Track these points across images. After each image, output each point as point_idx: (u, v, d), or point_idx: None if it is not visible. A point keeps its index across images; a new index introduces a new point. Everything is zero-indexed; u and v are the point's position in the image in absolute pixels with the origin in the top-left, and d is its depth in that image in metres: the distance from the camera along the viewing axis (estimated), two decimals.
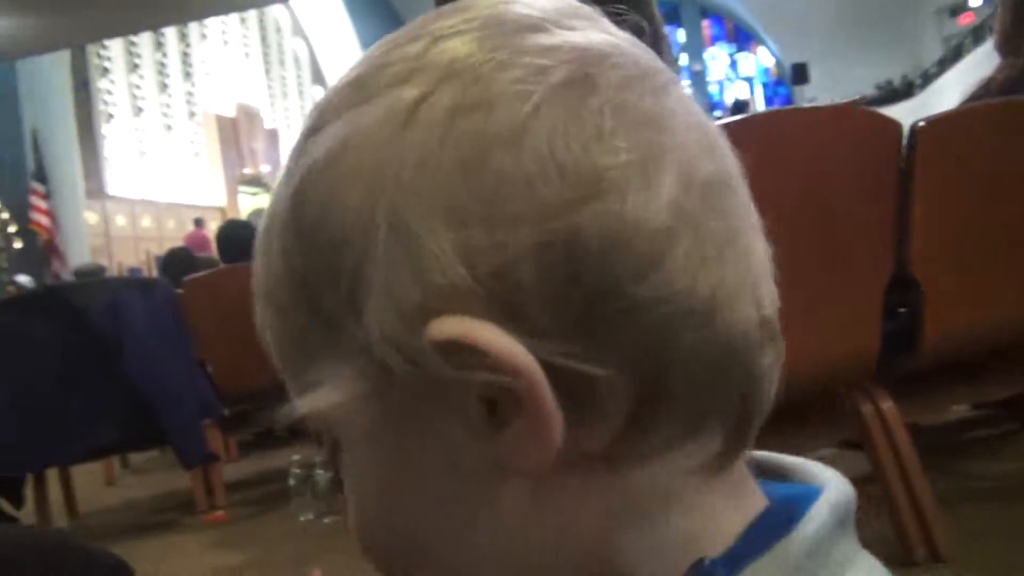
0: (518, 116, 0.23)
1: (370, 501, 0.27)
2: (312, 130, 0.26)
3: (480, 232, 0.23)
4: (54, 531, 0.52)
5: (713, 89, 21.81)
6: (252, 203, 12.57)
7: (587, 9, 0.27)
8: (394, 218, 0.23)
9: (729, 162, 0.26)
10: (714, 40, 22.28)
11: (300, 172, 0.26)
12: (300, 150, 0.26)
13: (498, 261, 0.22)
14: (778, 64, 19.72)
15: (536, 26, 0.25)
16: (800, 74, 16.89)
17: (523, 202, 0.23)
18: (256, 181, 12.94)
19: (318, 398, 0.26)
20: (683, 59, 21.49)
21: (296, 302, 0.26)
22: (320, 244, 0.25)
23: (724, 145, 0.26)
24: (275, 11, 14.53)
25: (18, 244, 9.18)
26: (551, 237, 0.22)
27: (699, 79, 22.06)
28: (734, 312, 0.24)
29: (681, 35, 21.72)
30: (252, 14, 13.67)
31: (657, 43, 1.67)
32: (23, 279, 7.12)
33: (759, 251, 0.26)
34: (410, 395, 0.24)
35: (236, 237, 3.19)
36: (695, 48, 21.87)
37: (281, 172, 0.28)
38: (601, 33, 0.26)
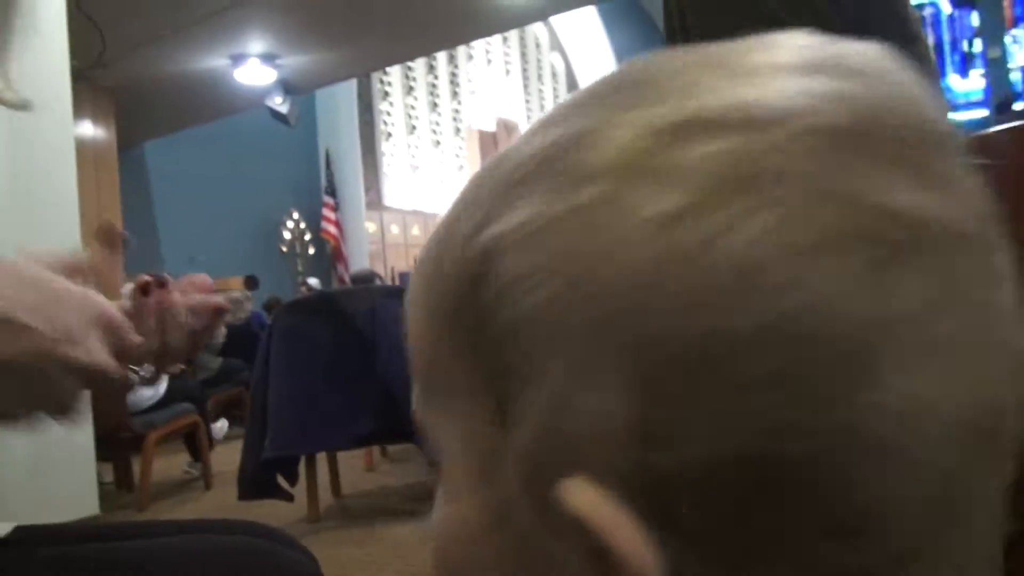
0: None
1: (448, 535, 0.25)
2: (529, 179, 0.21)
3: (672, 414, 0.18)
4: (245, 537, 0.58)
5: (1015, 76, 19.02)
6: None
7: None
8: (585, 344, 0.19)
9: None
10: (1018, 21, 19.43)
11: (499, 226, 0.21)
12: (505, 193, 0.21)
13: (673, 464, 0.18)
14: None
15: (875, 154, 0.19)
16: None
17: (747, 401, 0.18)
18: None
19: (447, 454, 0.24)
20: (977, 45, 18.98)
21: (446, 343, 0.23)
22: (491, 325, 0.21)
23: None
24: (535, 28, 15.17)
25: (311, 250, 10.52)
26: (765, 452, 0.18)
27: (997, 66, 19.36)
28: None
29: (975, 19, 19.22)
30: (513, 32, 14.38)
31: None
32: (313, 281, 8.15)
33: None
34: (517, 509, 0.21)
35: None
36: (993, 31, 19.23)
37: (470, 199, 0.23)
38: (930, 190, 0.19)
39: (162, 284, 0.56)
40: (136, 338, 0.52)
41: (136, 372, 0.57)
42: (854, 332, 0.17)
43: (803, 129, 0.19)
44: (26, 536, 0.63)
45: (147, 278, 0.56)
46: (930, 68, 1.56)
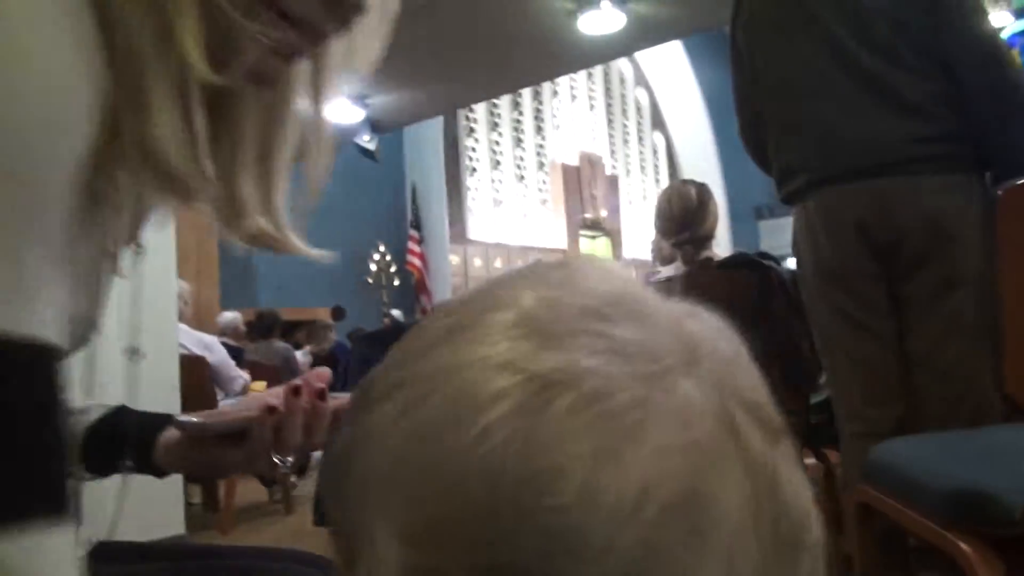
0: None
1: None
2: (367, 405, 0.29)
3: (424, 553, 0.24)
4: (290, 564, 0.64)
5: None
6: (591, 246, 13.24)
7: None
8: (378, 513, 0.26)
9: None
10: None
11: (353, 435, 0.29)
12: (357, 415, 0.30)
13: None
14: None
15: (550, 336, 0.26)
16: None
17: (465, 532, 0.23)
18: (595, 225, 13.61)
19: None
20: None
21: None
22: (348, 499, 0.29)
23: None
24: (620, 63, 15.24)
25: (396, 282, 10.76)
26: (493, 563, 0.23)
27: None
28: None
29: None
30: (598, 68, 14.50)
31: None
32: (396, 313, 8.33)
33: None
34: None
35: None
36: None
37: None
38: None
39: (322, 396, 0.64)
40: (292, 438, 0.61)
41: (284, 463, 0.65)
42: (528, 459, 0.23)
43: (504, 324, 0.26)
44: (99, 553, 0.67)
45: (299, 383, 0.64)
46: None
